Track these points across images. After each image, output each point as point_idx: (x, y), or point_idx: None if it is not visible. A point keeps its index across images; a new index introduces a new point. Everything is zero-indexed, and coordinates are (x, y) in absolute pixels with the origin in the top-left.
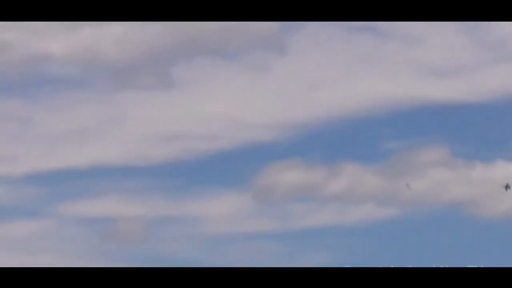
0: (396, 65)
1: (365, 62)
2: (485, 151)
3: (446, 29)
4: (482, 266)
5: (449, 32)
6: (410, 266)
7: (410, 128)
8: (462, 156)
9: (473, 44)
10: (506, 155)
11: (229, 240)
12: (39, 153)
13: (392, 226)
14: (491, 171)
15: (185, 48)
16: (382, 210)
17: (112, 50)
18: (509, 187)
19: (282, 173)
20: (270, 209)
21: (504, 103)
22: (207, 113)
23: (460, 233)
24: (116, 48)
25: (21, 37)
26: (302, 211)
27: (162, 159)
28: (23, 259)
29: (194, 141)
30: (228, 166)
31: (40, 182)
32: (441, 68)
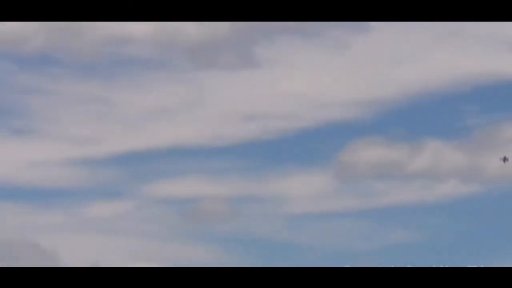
0: (476, 40)
1: (445, 38)
2: None
3: None
4: (483, 266)
5: None
6: (410, 266)
7: (492, 104)
8: None
9: None
10: None
11: (312, 219)
12: (120, 134)
13: (475, 202)
14: None
15: (266, 27)
16: (465, 187)
17: (192, 29)
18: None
19: (364, 151)
20: (352, 187)
21: None
22: (288, 91)
23: None
24: (196, 27)
25: None
26: (384, 189)
27: (243, 138)
28: (106, 240)
29: (275, 120)
30: (310, 145)
31: (122, 163)
32: None
